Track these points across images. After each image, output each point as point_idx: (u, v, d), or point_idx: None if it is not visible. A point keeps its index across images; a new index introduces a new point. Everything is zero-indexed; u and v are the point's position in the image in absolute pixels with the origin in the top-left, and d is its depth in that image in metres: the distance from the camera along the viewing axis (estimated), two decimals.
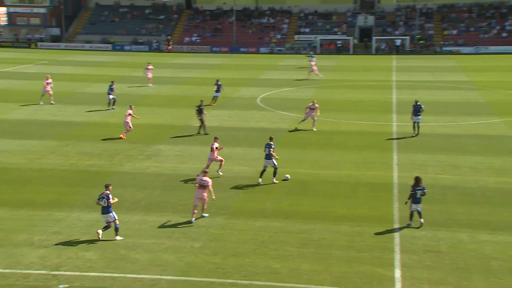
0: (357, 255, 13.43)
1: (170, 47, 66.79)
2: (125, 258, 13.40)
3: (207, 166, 19.17)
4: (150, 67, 39.19)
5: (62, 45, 70.56)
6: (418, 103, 23.64)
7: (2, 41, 71.25)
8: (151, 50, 68.68)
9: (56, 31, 74.13)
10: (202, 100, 25.39)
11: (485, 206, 16.22)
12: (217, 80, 31.38)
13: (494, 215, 15.57)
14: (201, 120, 24.60)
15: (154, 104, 32.04)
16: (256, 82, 40.43)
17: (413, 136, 23.49)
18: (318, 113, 25.75)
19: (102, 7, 77.25)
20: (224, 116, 28.87)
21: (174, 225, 15.22)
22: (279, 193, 17.56)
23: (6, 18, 77.32)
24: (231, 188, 18.09)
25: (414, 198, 14.39)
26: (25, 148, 23.07)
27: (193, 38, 70.16)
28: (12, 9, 74.39)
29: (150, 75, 38.79)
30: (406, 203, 15.04)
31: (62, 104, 32.38)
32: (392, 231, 14.65)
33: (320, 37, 65.23)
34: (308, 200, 16.94)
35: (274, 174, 18.43)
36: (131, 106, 25.41)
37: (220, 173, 19.28)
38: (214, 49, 67.59)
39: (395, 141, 23.23)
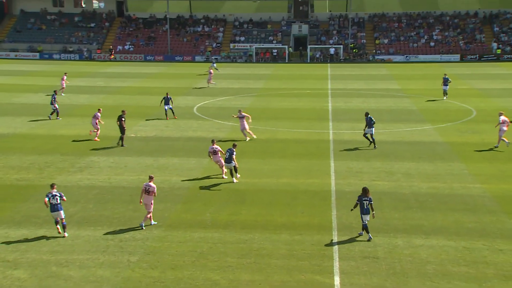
0: (297, 263, 13.54)
1: (112, 56, 65.13)
2: (57, 275, 13.04)
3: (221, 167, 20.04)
4: (64, 77, 40.04)
5: None
6: (369, 116, 23.24)
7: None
8: (81, 58, 66.75)
9: None
10: (123, 110, 24.96)
11: (419, 211, 16.59)
12: (167, 94, 30.62)
13: (427, 220, 15.93)
14: (122, 131, 24.23)
15: (86, 114, 31.30)
16: (192, 91, 40.46)
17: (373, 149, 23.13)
18: (250, 121, 25.75)
19: (28, 14, 74.21)
20: (161, 125, 28.60)
21: (110, 239, 14.99)
22: (218, 203, 17.56)
23: None
24: (168, 199, 17.94)
25: (362, 209, 14.67)
26: None
27: (126, 47, 69.02)
28: None
29: (64, 84, 39.12)
30: (352, 210, 15.22)
31: None
32: (330, 238, 14.90)
33: (255, 45, 65.69)
34: (247, 210, 17.01)
35: (235, 170, 19.69)
36: (99, 109, 25.59)
37: (235, 180, 19.71)
38: (148, 57, 66.77)
39: (332, 148, 23.64)
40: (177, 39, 70.31)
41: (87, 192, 18.54)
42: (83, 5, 76.71)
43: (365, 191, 14.67)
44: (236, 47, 66.81)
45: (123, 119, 24.14)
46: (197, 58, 66.12)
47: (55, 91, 31.82)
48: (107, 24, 73.26)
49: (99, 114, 25.46)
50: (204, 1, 75.36)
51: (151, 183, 15.68)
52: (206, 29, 71.54)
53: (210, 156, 20.32)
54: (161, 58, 66.60)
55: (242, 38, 68.73)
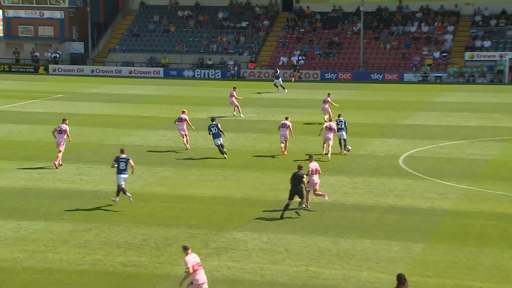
0: None
1: (293, 80, 66.05)
2: None
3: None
4: (234, 92, 46.13)
5: (87, 68, 73.64)
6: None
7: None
8: (225, 77, 69.80)
9: (78, 46, 77.86)
10: (300, 166, 25.74)
11: None
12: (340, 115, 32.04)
13: None
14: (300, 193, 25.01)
15: (227, 164, 32.12)
16: (397, 130, 41.44)
17: None
18: None
19: (151, 9, 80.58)
20: (347, 185, 28.21)
21: None
22: None
23: (2, 27, 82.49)
24: None
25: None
26: (23, 234, 23.47)
27: (294, 58, 70.80)
28: (11, 13, 79.37)
29: (234, 101, 45.52)
30: None
31: (82, 163, 33.45)
32: None
33: (510, 55, 64.70)
34: None
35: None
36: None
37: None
38: (328, 75, 67.53)
39: None
40: (375, 46, 70.96)
41: None
42: None
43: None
44: (476, 58, 65.80)
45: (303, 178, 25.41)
46: (407, 76, 65.97)
47: (214, 120, 34.67)
48: (265, 22, 76.25)
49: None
50: None
51: None
52: (425, 28, 71.05)
53: None
54: (348, 76, 67.25)
55: (487, 43, 67.11)
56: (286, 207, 25.18)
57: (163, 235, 23.20)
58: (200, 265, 17.59)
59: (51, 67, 73.76)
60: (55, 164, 31.85)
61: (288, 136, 34.52)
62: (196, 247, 22.10)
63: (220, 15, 77.74)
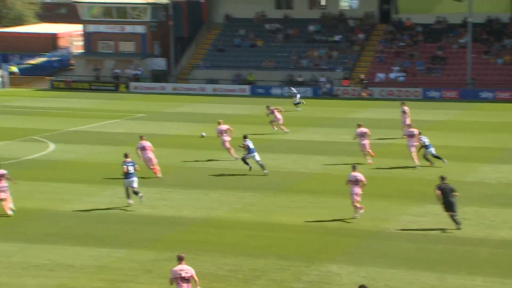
0: None
1: (364, 94, 67.49)
2: None
3: None
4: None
5: (170, 86, 74.79)
6: None
7: (74, 81, 77.74)
8: (317, 95, 69.89)
9: (160, 63, 79.25)
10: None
11: None
12: None
13: None
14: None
15: (325, 190, 31.89)
16: (511, 155, 40.94)
17: None
18: None
19: (236, 23, 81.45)
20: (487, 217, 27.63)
21: None
22: None
23: (82, 43, 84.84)
24: None
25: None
26: (104, 262, 23.91)
27: (392, 75, 70.33)
28: (91, 28, 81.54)
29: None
30: None
31: (164, 187, 33.90)
32: None
33: None
34: None
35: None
36: None
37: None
38: (431, 93, 66.72)
39: None
40: (484, 60, 69.89)
41: None
42: (324, 5, 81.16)
43: None
44: None
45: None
46: None
47: None
48: (360, 36, 76.01)
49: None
50: None
51: None
52: None
53: None
54: (453, 95, 66.36)
55: None
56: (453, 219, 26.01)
57: (250, 266, 23.17)
58: (185, 279, 18.44)
59: (132, 84, 75.28)
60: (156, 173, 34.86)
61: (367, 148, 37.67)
62: (287, 280, 22.11)
63: (311, 28, 77.88)
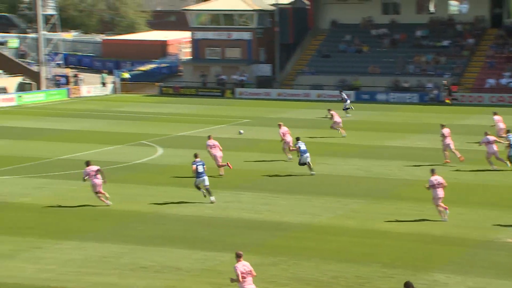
0: None
1: (448, 100, 66.59)
2: None
3: None
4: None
5: (274, 92, 75.17)
6: None
7: (182, 87, 79.03)
8: (423, 101, 68.83)
9: (265, 69, 79.76)
10: None
11: None
12: None
13: None
14: None
15: None
16: None
17: None
18: None
19: (342, 28, 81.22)
20: None
21: None
22: None
23: (190, 49, 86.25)
24: None
25: None
26: (209, 266, 24.28)
27: (503, 80, 68.74)
28: (199, 35, 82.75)
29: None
30: None
31: (268, 192, 33.88)
32: None
33: None
34: None
35: None
36: None
37: None
38: None
39: None
40: None
41: None
42: (432, 10, 79.91)
43: None
44: None
45: None
46: None
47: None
48: (470, 40, 74.59)
49: None
50: None
51: None
52: None
53: None
54: None
55: None
56: None
57: (354, 273, 23.05)
58: (249, 273, 19.32)
59: (238, 90, 76.04)
60: (228, 165, 36.12)
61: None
62: None
63: (419, 33, 76.84)
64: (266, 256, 24.76)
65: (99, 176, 30.99)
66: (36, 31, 75.33)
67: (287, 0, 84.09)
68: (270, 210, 30.81)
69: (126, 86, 79.32)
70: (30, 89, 72.29)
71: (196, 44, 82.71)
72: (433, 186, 28.12)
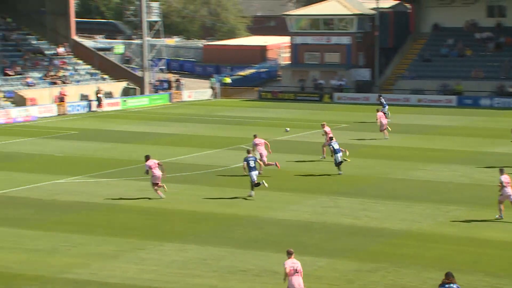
0: None
1: None
2: None
3: None
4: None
5: (373, 97, 74.46)
6: None
7: (281, 91, 79.24)
8: None
9: (364, 73, 79.24)
10: None
11: None
12: None
13: None
14: None
15: None
16: None
17: None
18: None
19: (444, 32, 79.94)
20: None
21: None
22: None
23: (289, 54, 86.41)
24: None
25: None
26: (307, 271, 24.13)
27: None
28: (298, 40, 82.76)
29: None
30: None
31: (367, 198, 33.80)
32: None
33: None
34: None
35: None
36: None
37: None
38: None
39: None
40: None
41: None
42: None
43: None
44: None
45: None
46: None
47: None
48: None
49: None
50: None
51: None
52: None
53: None
54: None
55: None
56: None
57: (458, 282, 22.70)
58: (297, 271, 20.00)
59: (336, 95, 75.76)
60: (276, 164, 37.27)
61: None
62: None
63: None
64: (365, 262, 24.57)
65: (159, 169, 32.84)
66: (140, 37, 76.91)
67: (388, 3, 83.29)
68: (369, 216, 30.56)
69: (226, 91, 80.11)
70: (134, 94, 73.86)
71: (295, 49, 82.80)
72: (503, 184, 29.14)
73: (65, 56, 74.96)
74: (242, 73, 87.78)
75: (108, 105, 68.53)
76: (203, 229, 28.72)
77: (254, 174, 33.21)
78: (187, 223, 29.67)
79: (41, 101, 65.38)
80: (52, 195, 34.31)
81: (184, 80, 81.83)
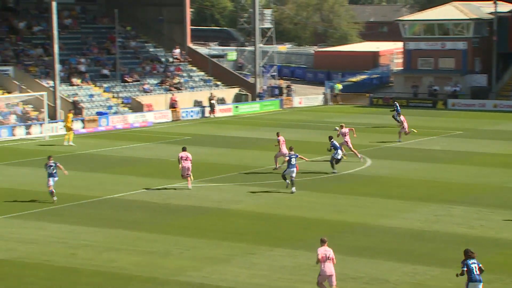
0: None
1: None
2: None
3: None
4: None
5: (490, 103, 72.82)
6: None
7: (392, 97, 78.28)
8: None
9: (480, 79, 77.49)
10: None
11: None
12: None
13: None
14: None
15: None
16: None
17: None
18: None
19: None
20: None
21: None
22: None
23: (402, 60, 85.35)
24: None
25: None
26: (419, 280, 24.02)
27: None
28: (411, 45, 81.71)
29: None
30: None
31: (482, 207, 32.89)
32: None
33: None
34: None
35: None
36: None
37: None
38: None
39: None
40: None
41: None
42: None
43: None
44: None
45: None
46: None
47: None
48: None
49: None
50: None
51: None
52: None
53: None
54: None
55: None
56: None
57: None
58: (329, 258, 21.02)
59: (450, 101, 74.35)
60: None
61: None
62: None
63: None
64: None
65: (187, 160, 35.74)
66: (253, 44, 77.57)
67: (507, 7, 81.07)
68: (484, 225, 29.85)
69: (336, 97, 79.80)
70: (246, 100, 74.51)
71: (408, 54, 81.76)
72: None
73: (181, 63, 76.39)
74: (354, 79, 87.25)
75: (220, 111, 69.40)
76: (312, 235, 28.63)
77: (294, 170, 34.79)
78: (297, 229, 29.72)
79: (157, 107, 66.84)
80: (166, 199, 35.02)
81: (294, 86, 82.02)
